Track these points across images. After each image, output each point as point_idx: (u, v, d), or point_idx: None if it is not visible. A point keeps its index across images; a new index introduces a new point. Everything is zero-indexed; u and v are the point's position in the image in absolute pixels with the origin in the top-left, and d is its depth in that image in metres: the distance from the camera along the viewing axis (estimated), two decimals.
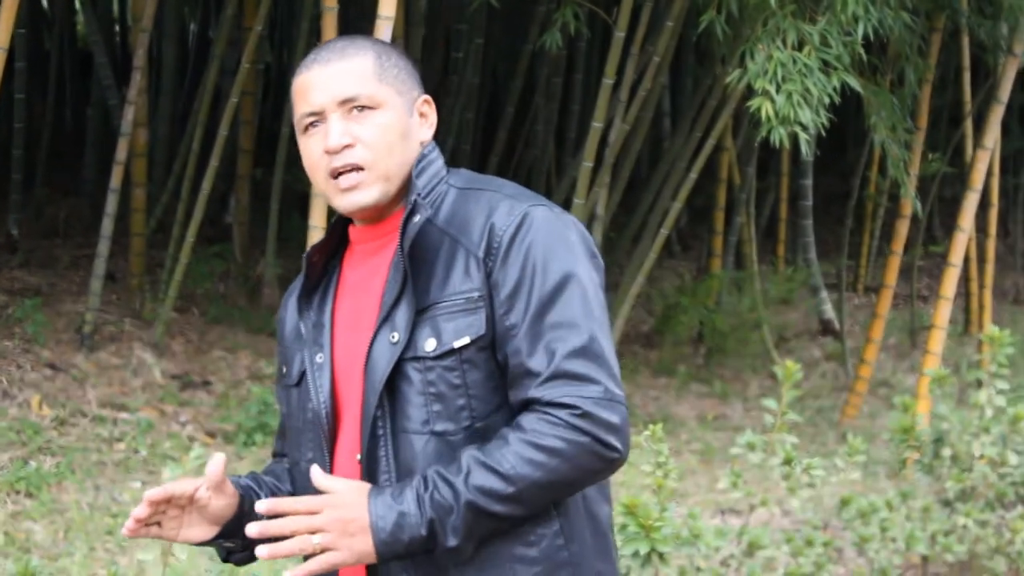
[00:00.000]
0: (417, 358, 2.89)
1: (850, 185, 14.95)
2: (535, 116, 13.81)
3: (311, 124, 3.02)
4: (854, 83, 8.56)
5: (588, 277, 2.92)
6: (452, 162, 12.41)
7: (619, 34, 9.97)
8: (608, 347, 2.89)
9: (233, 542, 3.05)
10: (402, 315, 2.91)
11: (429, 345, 2.89)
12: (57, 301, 10.74)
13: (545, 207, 2.95)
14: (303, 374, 3.06)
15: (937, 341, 10.11)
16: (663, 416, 10.78)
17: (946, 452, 7.27)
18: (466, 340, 2.89)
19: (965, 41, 11.79)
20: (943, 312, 10.14)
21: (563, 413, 2.79)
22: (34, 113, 14.27)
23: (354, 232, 3.11)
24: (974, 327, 13.14)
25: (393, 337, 2.90)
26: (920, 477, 7.55)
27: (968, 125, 12.27)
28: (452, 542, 2.77)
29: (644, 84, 10.60)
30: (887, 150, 9.66)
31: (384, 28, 7.59)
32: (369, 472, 2.90)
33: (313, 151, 3.01)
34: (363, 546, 2.76)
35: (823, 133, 8.76)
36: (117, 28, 18.63)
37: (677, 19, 10.20)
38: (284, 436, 3.26)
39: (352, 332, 3.01)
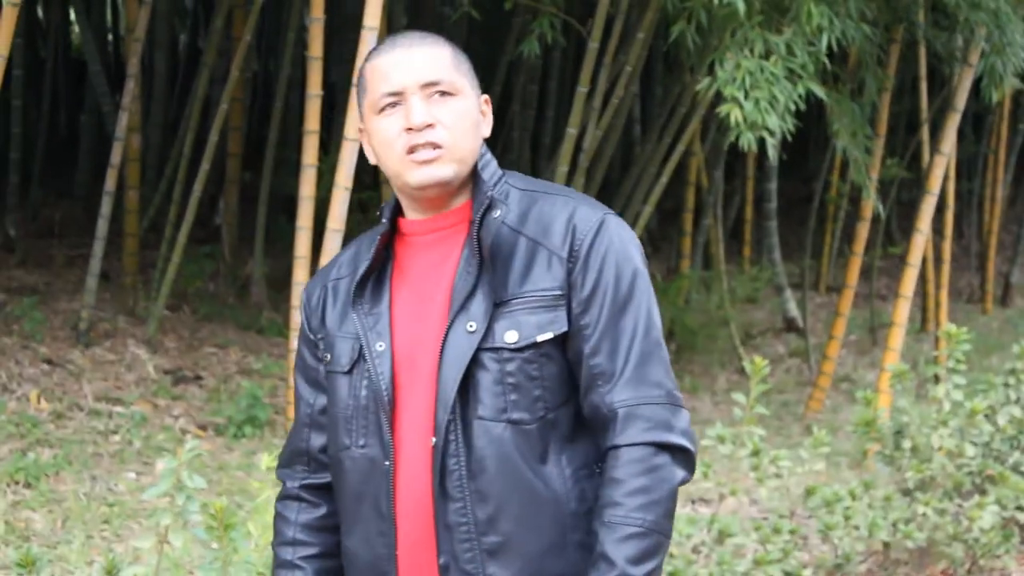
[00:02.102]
0: (495, 349, 2.90)
1: (812, 189, 14.99)
2: (512, 122, 13.80)
3: (389, 104, 2.99)
4: (818, 91, 8.58)
5: (648, 284, 2.97)
6: None
7: (592, 45, 9.97)
8: (666, 350, 2.97)
9: None
10: (478, 306, 2.92)
11: (510, 337, 2.90)
12: (54, 299, 10.71)
13: (617, 216, 3.00)
14: (356, 361, 3.02)
15: (896, 338, 10.14)
16: None
17: (906, 444, 7.30)
18: (549, 335, 2.91)
19: (922, 52, 11.80)
20: (902, 310, 10.16)
21: (646, 452, 2.86)
22: (30, 119, 14.22)
23: (408, 224, 3.08)
24: (931, 324, 13.17)
25: (470, 327, 2.90)
26: (881, 468, 7.57)
27: (925, 132, 12.28)
28: None
29: (616, 92, 10.60)
30: (849, 155, 9.67)
31: (369, 38, 7.57)
32: (442, 457, 2.90)
33: (390, 129, 2.98)
34: None
35: (788, 139, 8.78)
36: (110, 38, 18.57)
37: (648, 30, 10.22)
38: (307, 433, 3.18)
39: (414, 321, 3.00)
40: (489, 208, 2.96)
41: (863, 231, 10.98)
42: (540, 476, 2.92)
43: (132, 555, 6.35)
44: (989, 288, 15.87)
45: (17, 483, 7.57)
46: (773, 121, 8.16)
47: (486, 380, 2.90)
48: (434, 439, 2.90)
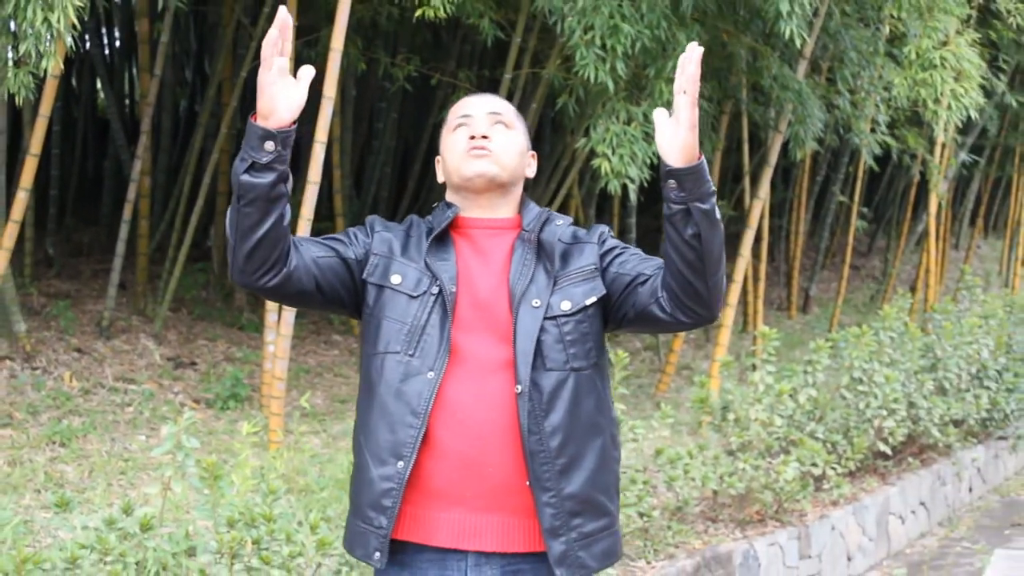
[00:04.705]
0: (554, 316, 3.03)
1: (662, 223, 15.06)
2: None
3: (460, 124, 3.20)
4: None
5: None
6: (374, 205, 12.25)
7: None
8: None
9: (279, 149, 3.22)
10: (536, 288, 3.06)
11: (565, 305, 3.06)
12: (83, 303, 10.60)
13: None
14: (424, 291, 3.07)
15: (724, 336, 10.24)
16: None
17: (731, 416, 7.38)
18: (594, 299, 3.09)
19: (744, 121, 11.95)
20: (728, 315, 10.27)
21: None
22: (65, 164, 14.03)
23: (465, 219, 3.21)
24: (750, 326, 13.29)
25: (535, 303, 3.04)
26: (712, 434, 7.65)
27: (747, 181, 12.43)
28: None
29: None
30: None
31: (327, 105, 7.58)
32: (526, 400, 2.97)
33: (458, 139, 3.20)
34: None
35: (644, 185, 8.85)
36: (127, 102, 18.37)
37: (540, 101, 10.27)
38: (311, 243, 3.16)
39: (473, 279, 3.09)
40: (547, 221, 3.17)
41: None
42: (593, 408, 3.07)
43: (143, 499, 6.31)
44: (793, 299, 16.04)
45: (54, 443, 7.49)
46: (634, 171, 8.23)
47: (549, 340, 3.02)
48: (519, 387, 2.98)
